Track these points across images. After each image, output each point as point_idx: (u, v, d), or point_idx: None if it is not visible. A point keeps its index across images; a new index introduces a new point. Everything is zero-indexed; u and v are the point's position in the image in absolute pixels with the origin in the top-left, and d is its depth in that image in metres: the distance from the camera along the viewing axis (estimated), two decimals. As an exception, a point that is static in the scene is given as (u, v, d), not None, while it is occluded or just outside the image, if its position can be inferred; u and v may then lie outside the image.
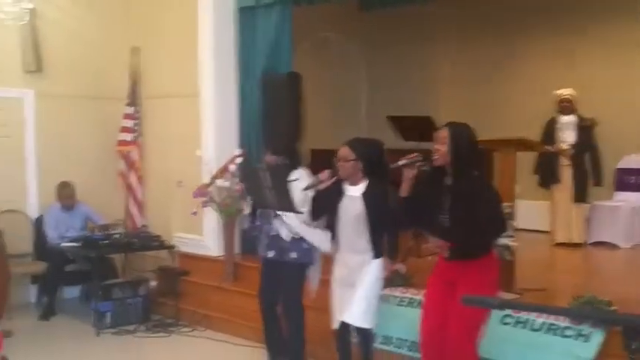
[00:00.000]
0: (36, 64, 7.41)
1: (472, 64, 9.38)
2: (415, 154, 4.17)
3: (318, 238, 4.94)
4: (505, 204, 5.07)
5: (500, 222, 4.02)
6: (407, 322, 4.82)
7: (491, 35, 9.19)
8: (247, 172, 5.37)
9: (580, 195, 7.52)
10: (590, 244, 7.65)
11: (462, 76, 9.55)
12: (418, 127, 7.77)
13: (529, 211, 7.35)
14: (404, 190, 4.12)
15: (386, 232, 4.51)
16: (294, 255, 5.02)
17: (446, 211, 3.98)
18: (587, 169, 7.57)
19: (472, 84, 9.37)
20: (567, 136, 7.58)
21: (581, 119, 7.57)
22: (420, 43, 9.85)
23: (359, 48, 10.17)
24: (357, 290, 4.44)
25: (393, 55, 10.05)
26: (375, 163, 4.57)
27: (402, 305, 5.07)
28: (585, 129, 7.53)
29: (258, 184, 4.92)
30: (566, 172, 7.57)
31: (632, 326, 2.10)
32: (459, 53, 9.60)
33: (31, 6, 6.06)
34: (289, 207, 4.76)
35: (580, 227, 7.58)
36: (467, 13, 9.40)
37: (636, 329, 2.10)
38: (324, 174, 4.61)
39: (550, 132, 7.61)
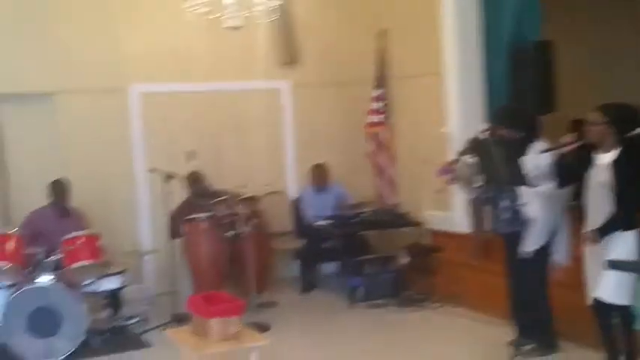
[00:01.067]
0: (291, 57, 7.90)
1: None
2: None
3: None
4: None
5: None
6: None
7: None
8: (479, 146, 5.22)
9: None
10: None
11: None
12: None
13: None
14: None
15: (624, 201, 4.11)
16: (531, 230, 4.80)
17: None
18: None
19: None
20: None
21: None
22: None
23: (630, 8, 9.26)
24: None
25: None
26: (628, 128, 4.20)
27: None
28: None
29: (489, 158, 4.80)
30: None
31: None
32: None
33: (279, 2, 6.46)
34: (519, 181, 4.58)
35: None
36: None
37: None
38: (568, 138, 4.36)
39: None
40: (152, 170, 6.65)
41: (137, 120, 7.34)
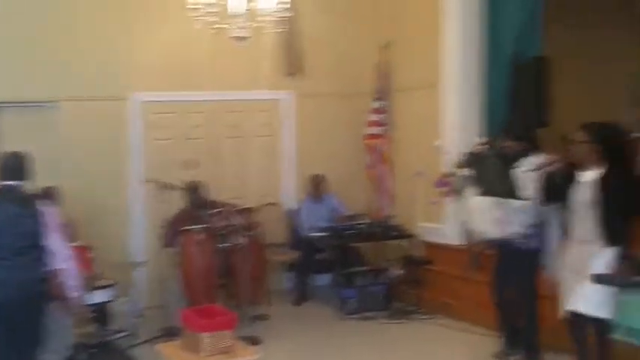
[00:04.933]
0: (295, 67, 7.94)
1: None
2: None
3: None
4: None
5: None
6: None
7: None
8: (475, 158, 5.31)
9: None
10: None
11: None
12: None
13: None
14: None
15: (615, 220, 4.18)
16: (525, 242, 4.87)
17: None
18: None
19: None
20: None
21: None
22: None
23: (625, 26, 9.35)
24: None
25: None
26: (612, 147, 4.30)
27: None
28: None
29: (484, 171, 4.88)
30: None
31: None
32: None
33: (288, 14, 6.50)
34: (514, 194, 4.65)
35: None
36: None
37: None
38: (554, 156, 4.45)
39: None
40: (150, 181, 6.68)
41: (136, 129, 7.33)
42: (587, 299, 4.26)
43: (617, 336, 4.58)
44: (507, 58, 6.94)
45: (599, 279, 4.04)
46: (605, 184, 4.22)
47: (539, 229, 4.90)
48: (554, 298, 4.82)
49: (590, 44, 9.11)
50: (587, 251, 4.28)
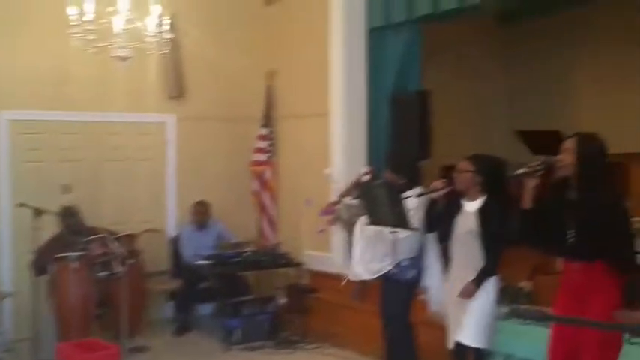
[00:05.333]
0: (178, 90, 7.74)
1: (613, 71, 8.84)
2: (537, 162, 3.95)
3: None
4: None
5: (627, 239, 3.71)
6: (531, 340, 4.55)
7: (632, 47, 8.58)
8: (364, 189, 5.35)
9: None
10: None
11: (603, 84, 9.02)
12: (547, 142, 7.44)
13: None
14: (525, 202, 3.90)
15: (491, 250, 4.28)
16: (399, 272, 4.92)
17: (572, 227, 3.71)
18: None
19: (614, 92, 8.82)
20: None
21: None
22: (558, 55, 9.40)
23: (496, 62, 9.89)
24: (471, 309, 4.27)
25: (531, 67, 9.68)
26: (494, 179, 4.43)
27: (526, 323, 4.77)
28: None
29: (374, 201, 4.89)
30: None
31: None
32: (599, 64, 9.08)
33: (171, 36, 6.36)
34: (404, 224, 4.69)
35: None
36: (604, 18, 8.86)
37: None
38: (438, 183, 4.52)
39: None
40: (20, 205, 6.26)
41: (2, 149, 6.88)
42: (466, 329, 4.34)
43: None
44: (389, 91, 7.12)
45: (514, 313, 4.00)
46: (485, 216, 4.32)
47: (418, 260, 4.96)
48: (433, 326, 4.89)
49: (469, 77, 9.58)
50: (469, 279, 4.35)
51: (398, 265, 4.93)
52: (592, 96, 9.22)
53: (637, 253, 3.91)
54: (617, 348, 3.66)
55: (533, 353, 4.52)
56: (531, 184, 3.88)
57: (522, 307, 4.35)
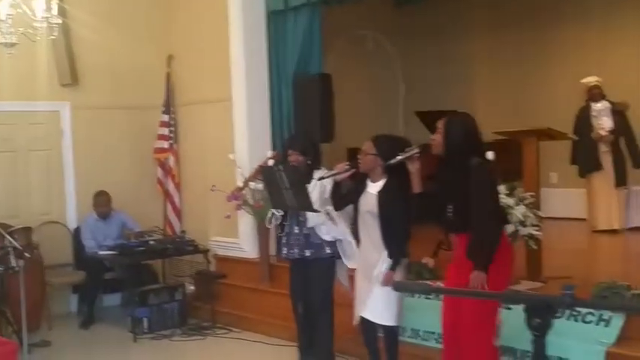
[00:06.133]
0: (71, 77, 7.46)
1: (507, 56, 9.28)
2: (412, 147, 4.15)
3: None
4: (529, 193, 4.98)
5: (490, 210, 3.89)
6: (434, 314, 4.69)
7: (527, 29, 9.00)
8: (266, 173, 5.36)
9: (621, 179, 7.49)
10: (628, 229, 7.60)
11: (498, 68, 9.42)
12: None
13: (566, 199, 7.27)
14: (415, 187, 4.11)
15: (398, 232, 4.41)
16: (327, 251, 4.97)
17: (449, 203, 3.96)
18: (624, 153, 7.55)
19: (508, 76, 9.25)
20: (604, 122, 7.55)
21: (613, 104, 7.56)
22: (455, 38, 9.72)
23: (394, 45, 10.11)
24: (375, 287, 4.38)
25: (428, 51, 9.97)
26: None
27: (429, 298, 4.96)
28: (618, 113, 7.52)
29: (276, 185, 4.91)
30: (607, 159, 7.54)
31: (534, 304, 2.15)
32: (494, 45, 9.48)
33: (59, 21, 6.13)
34: (307, 206, 4.73)
35: (620, 213, 7.51)
36: (500, 3, 9.24)
37: (536, 306, 2.14)
38: (341, 165, 4.58)
39: (584, 120, 7.57)
40: None
41: None
42: (373, 306, 4.43)
43: (404, 338, 4.85)
44: (291, 74, 7.15)
45: (399, 286, 4.14)
46: (384, 197, 4.40)
47: (333, 239, 5.01)
48: (346, 305, 4.99)
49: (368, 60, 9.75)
50: (373, 258, 4.44)
51: (331, 244, 4.97)
52: (486, 75, 9.58)
53: (501, 225, 4.05)
54: (493, 314, 3.88)
55: (436, 326, 4.68)
56: (414, 168, 4.09)
57: (408, 281, 4.48)
